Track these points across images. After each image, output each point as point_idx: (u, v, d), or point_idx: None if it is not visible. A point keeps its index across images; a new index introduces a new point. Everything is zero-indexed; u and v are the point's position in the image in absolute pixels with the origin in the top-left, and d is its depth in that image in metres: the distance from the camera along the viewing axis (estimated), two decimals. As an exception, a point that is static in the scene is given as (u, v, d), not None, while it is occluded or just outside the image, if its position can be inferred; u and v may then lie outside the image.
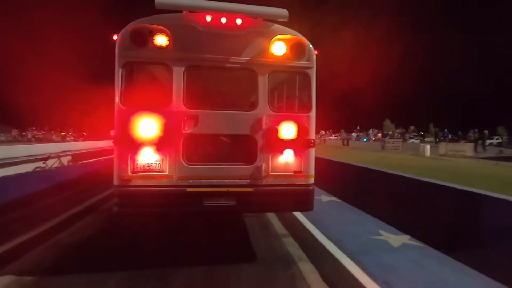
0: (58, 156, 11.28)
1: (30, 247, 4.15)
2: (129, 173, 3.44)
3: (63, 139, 49.77)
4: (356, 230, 4.54)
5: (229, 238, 4.87)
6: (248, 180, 3.66)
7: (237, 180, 3.64)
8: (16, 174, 6.83)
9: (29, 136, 54.07)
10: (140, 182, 3.47)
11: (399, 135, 48.85)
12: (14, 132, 56.97)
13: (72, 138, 53.65)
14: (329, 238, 4.14)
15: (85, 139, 48.77)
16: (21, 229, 4.33)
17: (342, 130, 43.69)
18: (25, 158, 11.86)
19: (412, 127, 59.58)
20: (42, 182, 5.89)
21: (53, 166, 10.39)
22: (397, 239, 4.20)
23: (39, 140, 46.96)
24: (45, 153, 11.80)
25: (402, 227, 4.54)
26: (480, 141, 23.00)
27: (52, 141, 43.76)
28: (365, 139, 46.07)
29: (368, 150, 26.93)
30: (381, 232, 4.47)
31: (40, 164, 10.44)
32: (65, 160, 11.89)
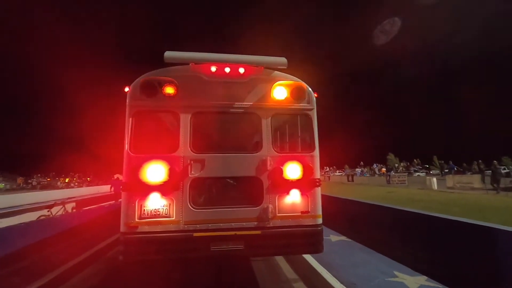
0: (62, 203, 11.27)
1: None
2: (136, 220, 3.42)
3: (67, 186, 49.84)
4: (369, 272, 4.35)
5: (237, 284, 4.65)
6: (255, 223, 3.61)
7: (244, 223, 3.58)
8: (20, 223, 6.78)
9: (34, 183, 54.37)
10: (146, 228, 3.42)
11: (404, 169, 48.23)
12: (19, 179, 57.41)
13: (76, 184, 53.78)
14: (342, 282, 3.96)
15: (89, 184, 48.91)
16: (22, 283, 4.19)
17: (346, 166, 43.58)
18: (29, 206, 11.83)
19: (416, 160, 59.04)
20: (45, 231, 5.83)
21: (57, 214, 10.31)
22: (413, 280, 4.00)
23: (44, 187, 47.07)
24: (49, 200, 11.81)
25: (417, 267, 4.35)
26: (489, 171, 22.60)
27: (57, 187, 43.90)
28: (365, 174, 45.46)
29: (374, 185, 26.53)
30: (395, 273, 4.27)
31: (45, 212, 10.39)
32: (69, 207, 11.83)
